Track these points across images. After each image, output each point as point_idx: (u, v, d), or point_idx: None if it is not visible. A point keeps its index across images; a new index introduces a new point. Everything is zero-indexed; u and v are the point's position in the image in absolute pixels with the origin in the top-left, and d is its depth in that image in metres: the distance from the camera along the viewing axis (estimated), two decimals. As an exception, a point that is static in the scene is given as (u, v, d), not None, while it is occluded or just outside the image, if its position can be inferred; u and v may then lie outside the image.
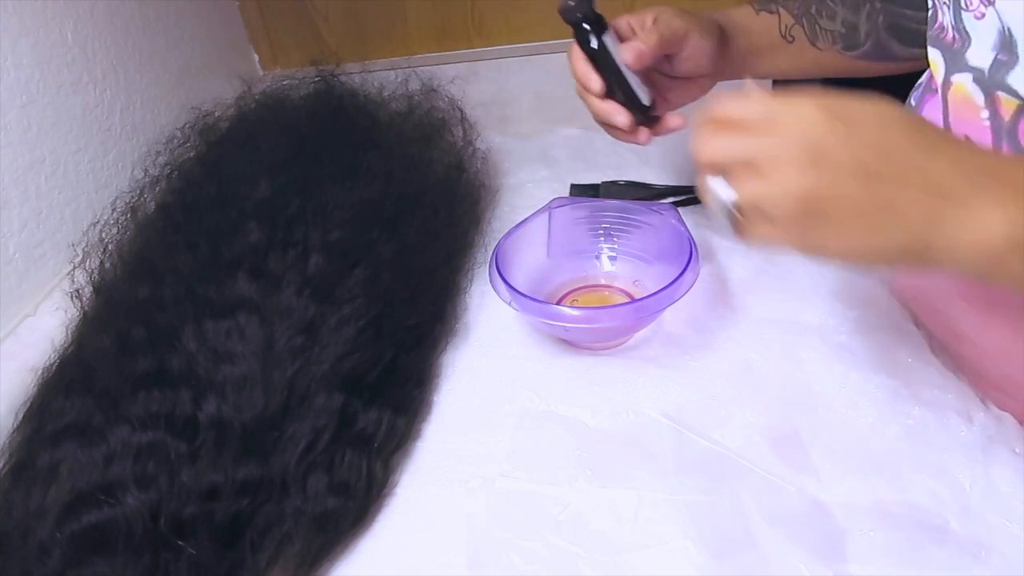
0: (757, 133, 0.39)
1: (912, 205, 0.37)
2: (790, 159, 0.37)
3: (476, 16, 1.00)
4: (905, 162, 0.37)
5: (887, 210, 0.37)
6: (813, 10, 0.66)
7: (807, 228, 0.38)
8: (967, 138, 0.44)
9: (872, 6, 0.65)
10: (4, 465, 0.52)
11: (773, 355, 0.60)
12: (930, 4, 0.52)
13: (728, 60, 0.65)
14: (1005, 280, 0.39)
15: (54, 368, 0.57)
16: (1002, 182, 0.36)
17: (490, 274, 0.63)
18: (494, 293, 0.62)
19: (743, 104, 0.40)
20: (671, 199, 0.80)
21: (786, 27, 0.66)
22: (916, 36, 0.65)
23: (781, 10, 0.67)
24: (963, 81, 0.48)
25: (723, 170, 0.40)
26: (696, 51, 0.62)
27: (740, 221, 0.40)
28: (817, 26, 0.66)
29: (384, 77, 0.88)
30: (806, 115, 0.38)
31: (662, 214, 0.67)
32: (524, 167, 0.92)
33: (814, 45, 0.67)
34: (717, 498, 0.50)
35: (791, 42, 0.67)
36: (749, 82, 0.42)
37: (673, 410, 0.57)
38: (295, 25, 1.03)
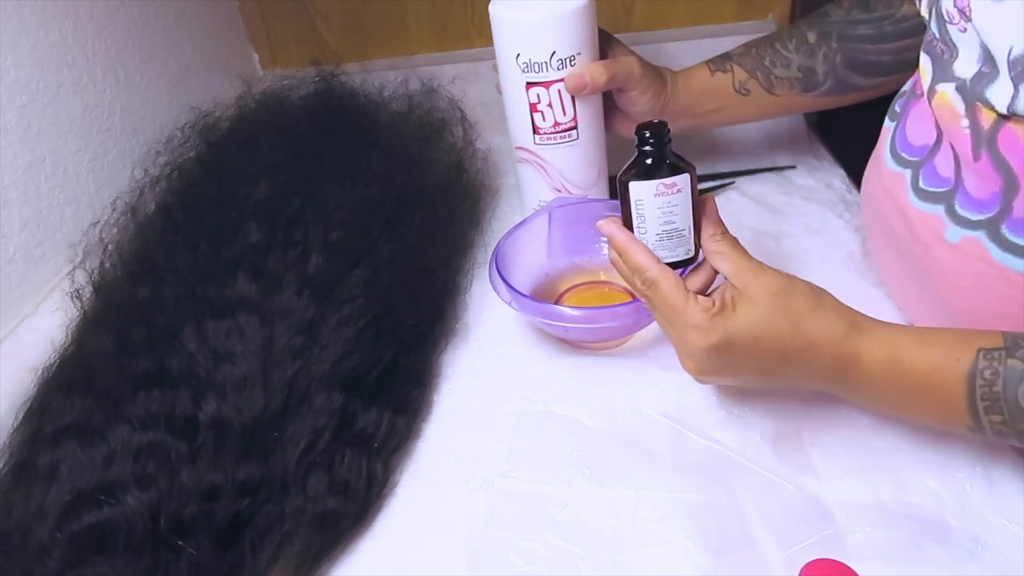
0: (669, 320, 0.50)
1: (788, 382, 0.50)
2: (688, 367, 0.50)
3: (476, 16, 1.00)
4: (776, 376, 0.49)
5: (771, 382, 0.51)
6: (767, 62, 0.68)
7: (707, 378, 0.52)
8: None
9: (828, 47, 0.67)
10: (4, 465, 0.52)
11: (773, 355, 0.60)
12: (923, 14, 0.53)
13: (669, 113, 0.69)
14: None
15: (54, 368, 0.57)
16: (848, 380, 0.48)
17: (490, 274, 0.63)
18: (494, 293, 0.62)
19: (656, 293, 0.50)
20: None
21: (740, 83, 0.69)
22: (877, 67, 0.67)
23: (735, 67, 0.69)
24: (946, 90, 0.49)
25: None
26: (638, 97, 0.67)
27: None
28: (772, 76, 0.68)
29: (384, 77, 0.88)
30: (691, 339, 0.48)
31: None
32: (524, 167, 0.92)
33: (771, 94, 0.69)
34: (716, 497, 0.50)
35: (746, 95, 0.69)
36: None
37: (673, 410, 0.57)
38: (295, 25, 1.03)
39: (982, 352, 0.43)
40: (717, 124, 0.77)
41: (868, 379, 0.47)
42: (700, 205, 0.51)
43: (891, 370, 0.46)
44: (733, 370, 0.49)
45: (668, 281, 0.49)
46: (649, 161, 0.50)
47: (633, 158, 0.51)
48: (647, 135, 0.50)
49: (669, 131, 0.50)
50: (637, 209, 0.51)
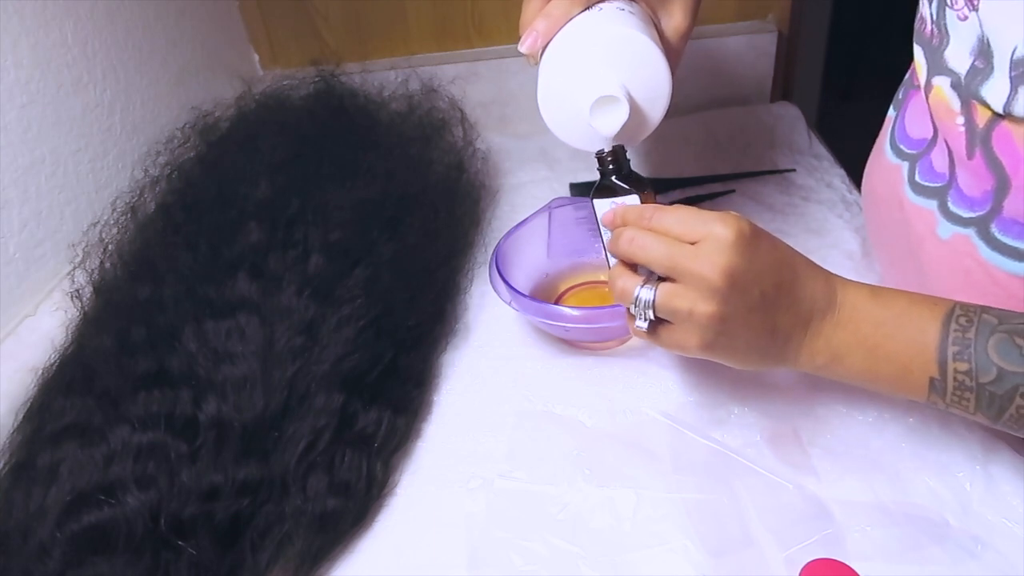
0: (681, 244, 0.45)
1: (785, 327, 0.46)
2: (713, 279, 0.43)
3: (476, 16, 1.00)
4: (788, 294, 0.45)
5: (771, 333, 0.46)
6: None
7: (711, 338, 0.45)
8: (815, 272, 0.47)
9: None
10: (4, 465, 0.52)
11: (773, 355, 0.60)
12: None
13: None
14: (831, 377, 0.48)
15: (54, 368, 0.57)
16: (834, 308, 0.46)
17: (490, 274, 0.63)
18: (494, 293, 0.62)
19: (666, 214, 0.46)
20: (672, 194, 0.80)
21: None
22: None
23: None
24: (942, 85, 0.48)
25: (642, 266, 0.47)
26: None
27: (651, 320, 0.47)
28: None
29: (384, 77, 0.88)
30: (727, 237, 0.44)
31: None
32: (524, 167, 0.92)
33: None
34: (716, 497, 0.50)
35: None
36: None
37: (673, 410, 0.57)
38: (295, 25, 1.03)
39: (958, 304, 0.44)
40: None
41: (850, 310, 0.46)
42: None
43: (871, 300, 0.46)
44: (755, 276, 0.44)
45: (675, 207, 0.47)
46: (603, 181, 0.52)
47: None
48: (607, 159, 0.52)
49: (624, 152, 0.52)
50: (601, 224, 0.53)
